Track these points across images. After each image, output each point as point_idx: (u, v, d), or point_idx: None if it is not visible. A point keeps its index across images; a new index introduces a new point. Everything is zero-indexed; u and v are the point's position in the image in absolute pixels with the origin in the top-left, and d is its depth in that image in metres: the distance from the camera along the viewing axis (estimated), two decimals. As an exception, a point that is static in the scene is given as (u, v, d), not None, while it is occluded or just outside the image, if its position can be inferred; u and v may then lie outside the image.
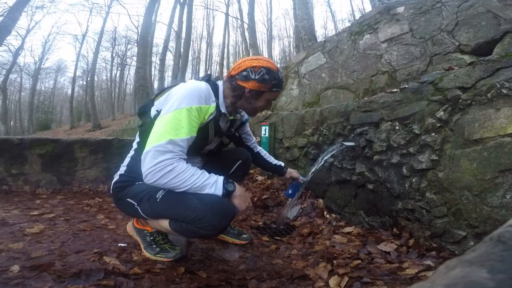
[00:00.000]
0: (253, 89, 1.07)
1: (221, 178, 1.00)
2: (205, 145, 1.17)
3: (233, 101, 1.11)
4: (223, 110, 1.11)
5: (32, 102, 21.85)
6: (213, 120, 1.08)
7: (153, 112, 1.09)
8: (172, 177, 0.92)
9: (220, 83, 1.14)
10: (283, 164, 1.54)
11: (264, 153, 1.54)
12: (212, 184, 0.97)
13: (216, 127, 1.11)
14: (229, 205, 0.99)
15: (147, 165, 0.92)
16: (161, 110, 1.02)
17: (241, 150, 1.42)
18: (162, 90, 1.12)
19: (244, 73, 1.06)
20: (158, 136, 0.94)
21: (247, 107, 1.15)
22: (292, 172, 1.52)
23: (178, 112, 0.96)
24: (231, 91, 1.10)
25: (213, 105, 1.06)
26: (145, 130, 1.08)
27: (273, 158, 1.56)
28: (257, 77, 1.05)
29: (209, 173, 1.38)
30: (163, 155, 0.92)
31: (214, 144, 1.23)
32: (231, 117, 1.20)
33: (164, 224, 1.06)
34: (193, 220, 0.95)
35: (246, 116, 1.33)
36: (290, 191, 1.53)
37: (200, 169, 1.29)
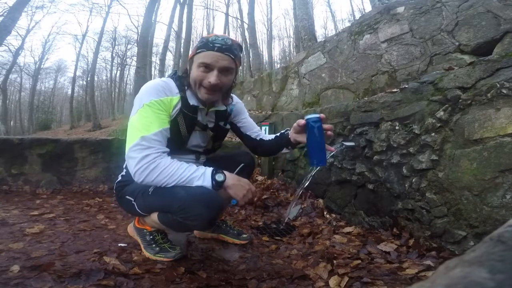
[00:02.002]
0: (188, 59, 1.04)
1: (209, 170, 0.97)
2: (185, 141, 1.11)
3: (187, 83, 1.07)
4: (192, 102, 1.07)
5: (32, 102, 21.85)
6: (182, 114, 1.05)
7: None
8: (158, 173, 0.92)
9: None
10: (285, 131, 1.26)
11: (268, 137, 1.32)
12: (200, 176, 0.95)
13: (189, 121, 1.07)
14: (216, 195, 0.96)
15: (131, 167, 0.94)
16: None
17: (244, 153, 1.41)
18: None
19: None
20: (131, 137, 0.95)
21: (192, 84, 1.05)
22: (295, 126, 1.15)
23: (141, 110, 0.97)
24: (183, 73, 1.09)
25: (176, 96, 1.04)
26: None
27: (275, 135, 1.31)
28: (196, 45, 1.04)
29: None
30: (141, 152, 0.92)
31: (200, 140, 1.16)
32: (213, 109, 1.14)
33: (155, 217, 1.07)
34: (177, 210, 0.94)
35: (234, 105, 1.26)
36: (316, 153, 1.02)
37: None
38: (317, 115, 1.01)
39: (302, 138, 1.12)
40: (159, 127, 0.96)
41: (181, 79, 1.09)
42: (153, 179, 0.93)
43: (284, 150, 1.26)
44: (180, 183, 0.94)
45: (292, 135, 1.17)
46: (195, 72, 1.01)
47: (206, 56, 0.97)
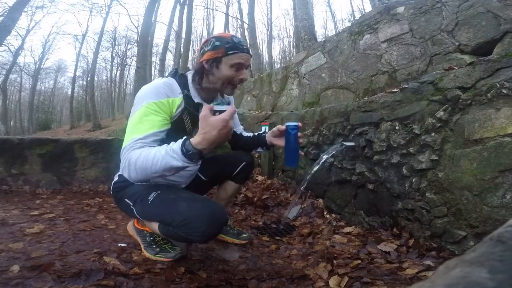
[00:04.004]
0: (209, 59, 1.02)
1: (176, 144, 0.83)
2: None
3: (200, 82, 1.08)
4: (196, 100, 1.08)
5: (32, 102, 21.85)
6: (186, 112, 1.05)
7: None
8: (134, 169, 0.86)
9: (189, 73, 1.11)
10: (262, 132, 1.34)
11: (247, 134, 1.40)
12: (172, 156, 0.81)
13: (193, 118, 1.07)
14: (219, 211, 0.95)
15: (123, 164, 0.91)
16: None
17: (244, 153, 1.41)
18: None
19: (201, 51, 1.06)
20: (126, 139, 0.93)
21: (215, 82, 1.06)
22: (273, 130, 1.22)
23: (138, 111, 0.96)
24: (196, 74, 1.09)
25: (179, 97, 1.04)
26: None
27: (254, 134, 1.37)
28: (209, 47, 1.03)
29: (213, 176, 1.36)
30: (128, 153, 0.89)
31: None
32: (215, 103, 1.13)
33: (155, 227, 1.05)
34: (180, 225, 0.93)
35: (229, 101, 1.27)
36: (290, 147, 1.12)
37: (201, 167, 1.28)
38: (296, 123, 1.12)
39: (278, 141, 1.22)
40: (151, 130, 0.93)
41: (183, 78, 1.09)
42: (135, 175, 0.87)
43: (259, 149, 1.37)
44: (162, 171, 0.84)
45: (269, 137, 1.26)
46: (227, 72, 1.03)
47: (241, 57, 1.03)
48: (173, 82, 1.06)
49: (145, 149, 0.88)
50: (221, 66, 1.03)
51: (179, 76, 1.09)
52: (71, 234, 1.36)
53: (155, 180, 1.12)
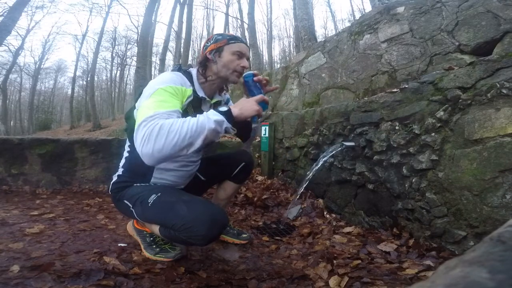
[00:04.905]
0: (212, 50, 1.10)
1: (210, 111, 0.89)
2: None
3: (204, 74, 1.12)
4: (201, 94, 1.10)
5: (32, 102, 21.84)
6: (192, 105, 1.07)
7: (134, 114, 1.09)
8: (164, 135, 0.80)
9: (193, 70, 1.15)
10: None
11: None
12: (207, 119, 0.85)
13: (196, 112, 1.06)
14: (220, 214, 0.96)
15: (138, 141, 0.83)
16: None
17: (243, 153, 1.42)
18: (141, 92, 1.13)
19: (204, 47, 1.14)
20: (142, 114, 0.87)
21: (220, 70, 1.10)
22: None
23: (155, 93, 0.93)
24: (200, 66, 1.13)
25: (190, 88, 1.06)
26: (131, 130, 1.09)
27: None
28: (212, 41, 1.12)
29: (212, 176, 1.37)
30: (146, 126, 0.83)
31: None
32: (214, 101, 1.18)
33: (155, 229, 1.05)
34: (181, 229, 0.92)
35: (228, 96, 1.31)
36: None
37: (200, 166, 1.29)
38: (251, 72, 1.15)
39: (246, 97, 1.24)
40: (173, 108, 0.91)
41: (186, 74, 1.11)
42: (162, 144, 0.80)
43: (254, 124, 1.26)
44: (194, 136, 0.83)
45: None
46: (229, 57, 1.10)
47: (240, 46, 1.11)
48: (182, 75, 1.08)
49: (175, 118, 0.86)
50: (223, 54, 1.10)
51: (183, 71, 1.12)
52: (71, 234, 1.36)
53: (155, 181, 1.12)
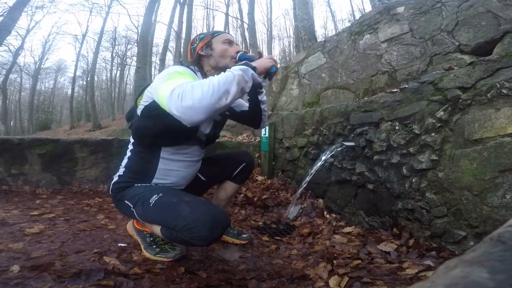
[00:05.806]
0: (202, 46, 1.16)
1: (238, 65, 0.94)
2: (197, 127, 1.10)
3: (201, 70, 1.16)
4: None
5: (32, 102, 21.83)
6: None
7: (138, 112, 1.10)
8: (199, 87, 0.82)
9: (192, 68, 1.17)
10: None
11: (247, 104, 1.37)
12: (232, 69, 0.90)
13: None
14: (221, 215, 0.96)
15: (173, 102, 0.82)
16: (146, 104, 1.05)
17: (244, 153, 1.42)
18: (141, 91, 1.13)
19: (191, 49, 1.20)
20: (169, 86, 0.86)
21: (218, 61, 1.13)
22: None
23: (173, 75, 0.93)
24: (194, 64, 1.17)
25: (197, 79, 1.06)
26: (136, 127, 1.11)
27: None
28: (197, 41, 1.18)
29: (212, 176, 1.37)
30: (181, 87, 0.84)
31: (203, 127, 1.15)
32: None
33: (157, 230, 1.05)
34: (183, 230, 0.92)
35: None
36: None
37: (201, 166, 1.29)
38: (243, 51, 1.20)
39: None
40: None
41: (189, 69, 1.11)
42: (200, 94, 0.81)
43: (263, 106, 1.28)
44: (227, 86, 0.84)
45: None
46: (222, 46, 1.14)
47: (226, 35, 1.17)
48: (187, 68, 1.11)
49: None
50: (214, 46, 1.14)
51: (186, 66, 1.12)
52: (71, 234, 1.36)
53: (157, 181, 1.12)
